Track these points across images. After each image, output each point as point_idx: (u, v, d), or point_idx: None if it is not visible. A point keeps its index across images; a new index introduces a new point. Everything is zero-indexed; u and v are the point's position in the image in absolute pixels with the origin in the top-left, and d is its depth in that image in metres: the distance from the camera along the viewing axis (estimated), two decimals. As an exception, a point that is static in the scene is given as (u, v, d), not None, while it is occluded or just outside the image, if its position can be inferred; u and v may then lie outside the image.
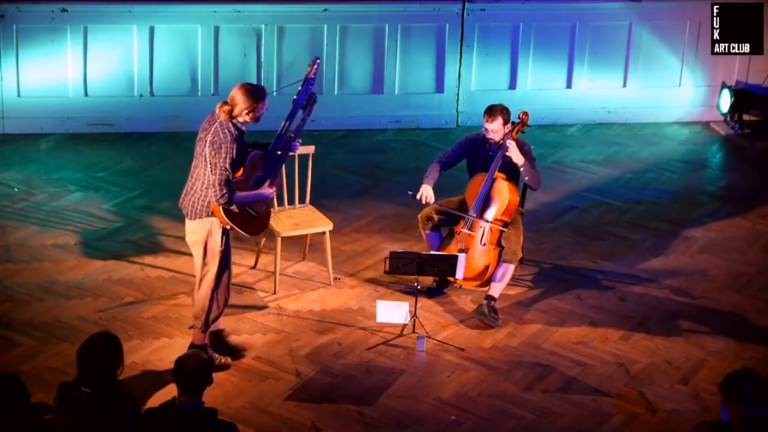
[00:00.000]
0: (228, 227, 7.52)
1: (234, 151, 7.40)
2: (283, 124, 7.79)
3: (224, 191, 7.38)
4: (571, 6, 11.59)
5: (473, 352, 8.20)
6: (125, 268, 8.94)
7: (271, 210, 8.30)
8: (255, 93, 7.44)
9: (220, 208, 7.45)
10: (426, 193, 8.60)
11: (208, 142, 7.41)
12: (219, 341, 7.92)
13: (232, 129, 7.43)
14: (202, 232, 7.59)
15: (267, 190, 7.68)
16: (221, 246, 7.57)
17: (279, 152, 7.75)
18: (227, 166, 7.38)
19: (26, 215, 9.61)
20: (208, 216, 7.53)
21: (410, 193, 8.65)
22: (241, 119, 7.45)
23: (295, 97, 7.87)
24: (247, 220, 7.60)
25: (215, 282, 7.64)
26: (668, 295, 8.98)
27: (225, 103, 7.44)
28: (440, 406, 7.64)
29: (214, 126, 7.43)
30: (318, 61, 7.92)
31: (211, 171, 7.40)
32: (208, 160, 7.40)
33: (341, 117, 11.33)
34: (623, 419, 7.58)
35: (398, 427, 7.42)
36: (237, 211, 7.52)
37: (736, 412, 5.91)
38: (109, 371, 5.98)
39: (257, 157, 7.60)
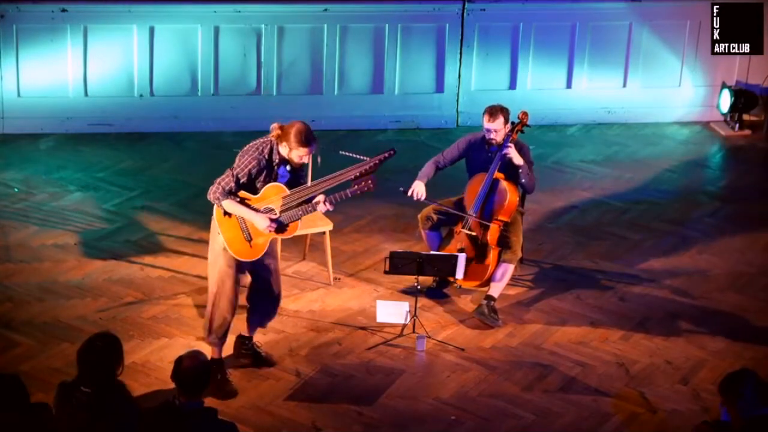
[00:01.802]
0: (217, 231, 7.52)
1: (250, 167, 7.41)
2: (323, 180, 7.57)
3: (216, 189, 7.41)
4: (571, 6, 11.59)
5: (473, 352, 8.20)
6: (125, 268, 8.94)
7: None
8: (302, 137, 7.40)
9: (215, 209, 7.48)
10: (417, 189, 8.60)
11: (244, 147, 7.51)
12: (246, 348, 7.93)
13: (266, 151, 7.46)
14: (211, 230, 7.63)
15: (263, 218, 7.45)
16: (223, 248, 7.54)
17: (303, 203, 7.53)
18: (235, 173, 7.41)
19: (26, 215, 9.61)
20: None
21: (402, 189, 8.66)
22: (282, 149, 7.46)
23: (357, 174, 7.54)
24: (236, 237, 7.51)
25: (216, 287, 7.59)
26: (668, 295, 8.98)
27: (281, 126, 7.46)
28: (440, 406, 7.64)
29: (259, 138, 7.50)
30: (393, 152, 7.64)
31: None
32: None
33: (341, 117, 11.33)
34: (623, 419, 7.58)
35: (398, 427, 7.42)
36: (229, 220, 7.49)
37: (735, 413, 5.91)
38: (109, 371, 5.99)
39: (276, 188, 7.50)
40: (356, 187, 7.48)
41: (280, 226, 7.48)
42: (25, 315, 8.30)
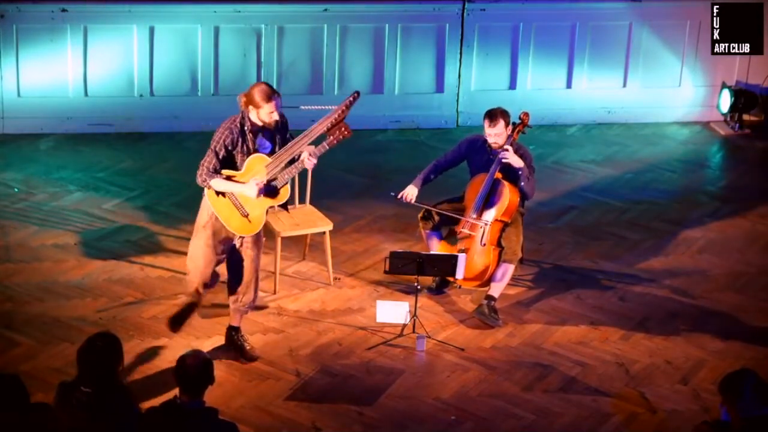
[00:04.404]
0: (211, 212, 7.63)
1: (223, 139, 7.54)
2: (297, 139, 7.68)
3: (202, 171, 7.57)
4: (571, 6, 11.59)
5: (473, 352, 8.20)
6: (125, 268, 8.94)
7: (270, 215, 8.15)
8: (263, 93, 7.53)
9: (207, 191, 7.62)
10: (407, 192, 8.63)
11: None
12: (231, 340, 8.00)
13: (237, 123, 7.59)
14: (200, 209, 7.77)
15: (250, 185, 7.56)
16: (205, 219, 7.67)
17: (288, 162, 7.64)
18: (213, 149, 7.56)
19: (26, 215, 9.62)
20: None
21: (392, 194, 8.68)
22: (253, 115, 7.56)
23: (328, 127, 7.66)
24: (233, 217, 7.63)
25: (195, 250, 7.74)
26: (668, 295, 8.98)
27: (245, 93, 7.61)
28: (440, 406, 7.64)
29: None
30: (358, 95, 7.77)
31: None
32: None
33: (341, 117, 11.32)
34: (623, 419, 7.58)
35: (398, 427, 7.42)
36: (222, 199, 7.60)
37: (735, 413, 5.90)
38: (109, 371, 5.99)
39: (258, 159, 7.60)
40: (332, 137, 7.62)
41: (271, 190, 7.58)
42: (25, 315, 8.30)
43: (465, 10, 11.42)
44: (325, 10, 11.20)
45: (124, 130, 11.12)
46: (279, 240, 8.66)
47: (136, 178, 10.33)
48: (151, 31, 10.99)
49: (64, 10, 10.78)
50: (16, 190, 10.01)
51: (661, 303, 8.88)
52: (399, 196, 8.65)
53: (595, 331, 8.50)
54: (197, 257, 7.77)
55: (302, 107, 8.03)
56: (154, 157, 10.73)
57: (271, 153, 7.66)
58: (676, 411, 7.68)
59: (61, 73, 10.94)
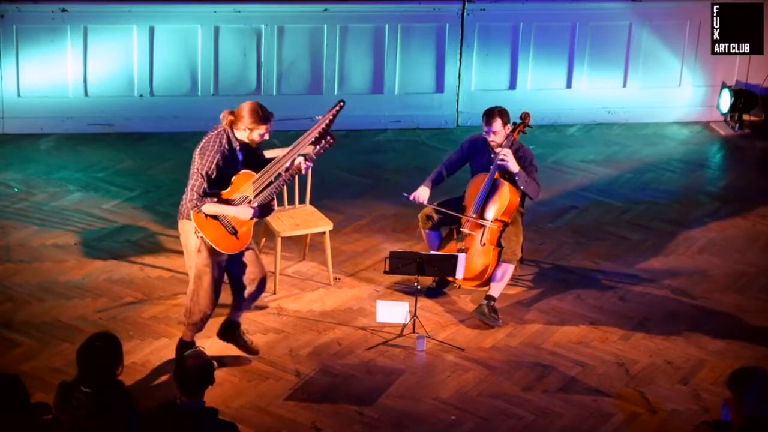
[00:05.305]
0: (199, 235, 7.54)
1: (216, 161, 7.44)
2: (288, 149, 7.68)
3: (193, 196, 7.45)
4: (571, 6, 11.59)
5: (473, 352, 8.20)
6: (125, 268, 8.94)
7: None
8: (260, 114, 7.47)
9: (192, 215, 7.51)
10: (419, 193, 8.62)
11: (198, 146, 7.52)
12: (234, 335, 7.97)
13: (224, 141, 7.50)
14: (183, 234, 7.70)
15: (244, 209, 7.51)
16: (197, 249, 7.58)
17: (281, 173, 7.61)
18: (203, 172, 7.44)
19: (26, 215, 9.62)
20: (188, 219, 7.61)
21: (405, 195, 8.68)
22: (239, 134, 7.49)
23: (316, 136, 7.68)
24: (220, 235, 7.53)
25: (194, 284, 7.65)
26: (668, 295, 8.98)
27: (231, 112, 7.51)
28: (440, 406, 7.64)
29: (210, 133, 7.54)
30: (343, 103, 7.77)
31: (191, 175, 7.51)
32: (193, 164, 7.53)
33: (341, 117, 11.18)
34: (623, 419, 7.59)
35: (398, 427, 7.42)
36: (210, 221, 7.51)
37: (738, 410, 5.90)
38: (108, 371, 5.99)
39: (245, 175, 7.56)
40: (318, 147, 7.61)
41: (262, 210, 7.56)
42: (25, 315, 8.30)
43: (465, 10, 11.41)
44: (325, 10, 11.20)
45: (124, 130, 11.12)
46: (279, 240, 8.66)
47: (136, 178, 10.33)
48: (151, 31, 10.98)
49: (64, 10, 10.78)
50: (16, 190, 10.01)
51: (661, 303, 8.88)
52: (411, 197, 8.65)
53: (595, 331, 8.50)
54: (200, 290, 7.61)
55: (316, 117, 7.95)
56: (154, 157, 10.73)
57: (246, 165, 7.59)
58: (676, 411, 7.68)
59: (61, 73, 10.94)
